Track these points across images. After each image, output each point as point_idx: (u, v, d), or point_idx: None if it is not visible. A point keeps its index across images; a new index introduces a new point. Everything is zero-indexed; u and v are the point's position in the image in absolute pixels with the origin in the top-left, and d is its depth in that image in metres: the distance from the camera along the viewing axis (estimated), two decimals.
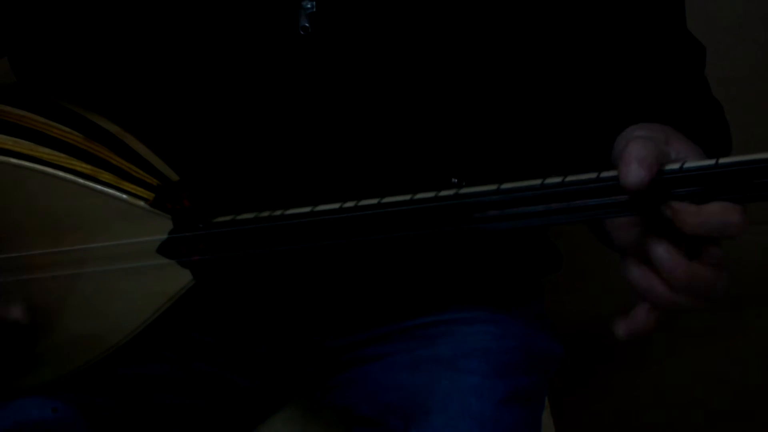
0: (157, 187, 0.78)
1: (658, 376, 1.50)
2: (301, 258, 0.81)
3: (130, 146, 0.80)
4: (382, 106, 0.80)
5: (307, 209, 0.73)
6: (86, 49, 0.81)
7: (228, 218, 0.76)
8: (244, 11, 0.78)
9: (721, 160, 0.61)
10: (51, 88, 0.84)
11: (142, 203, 0.77)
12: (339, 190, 0.76)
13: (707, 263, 0.62)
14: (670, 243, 0.63)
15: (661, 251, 0.63)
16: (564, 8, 0.80)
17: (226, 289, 0.85)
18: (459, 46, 0.79)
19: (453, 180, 0.82)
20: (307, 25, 0.77)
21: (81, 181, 0.77)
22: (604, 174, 0.65)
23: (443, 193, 0.70)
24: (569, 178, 0.66)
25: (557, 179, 0.66)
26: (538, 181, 0.67)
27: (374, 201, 0.71)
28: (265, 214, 0.75)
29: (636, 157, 0.62)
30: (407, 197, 0.70)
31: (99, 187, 0.77)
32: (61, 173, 0.77)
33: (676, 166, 0.63)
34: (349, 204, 0.72)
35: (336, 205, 0.72)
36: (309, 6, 0.77)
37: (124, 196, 0.77)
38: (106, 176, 0.77)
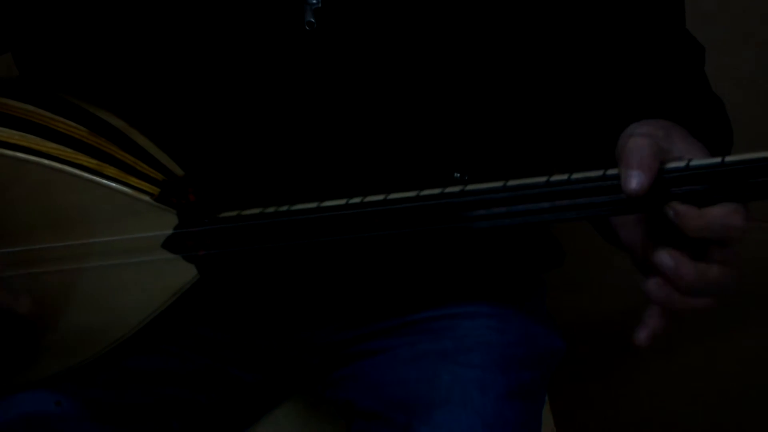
0: (163, 182, 0.78)
1: (658, 373, 1.50)
2: (305, 253, 0.81)
3: (136, 141, 0.80)
4: (386, 101, 0.80)
5: (313, 205, 0.73)
6: (92, 44, 0.81)
7: (233, 213, 0.76)
8: (249, 6, 0.78)
9: (728, 158, 0.62)
10: (56, 83, 0.84)
11: (147, 198, 0.77)
12: (344, 185, 0.76)
13: (714, 262, 0.63)
14: (675, 250, 0.63)
15: (667, 260, 0.63)
16: (566, 6, 0.81)
17: (231, 283, 0.85)
18: (463, 42, 0.80)
19: (456, 175, 0.82)
20: (312, 20, 0.77)
21: (86, 175, 0.77)
22: (610, 171, 0.65)
23: (449, 189, 0.70)
24: (575, 176, 0.66)
25: (563, 176, 0.67)
26: (543, 179, 0.67)
27: (380, 197, 0.71)
28: (271, 209, 0.75)
29: (636, 161, 0.63)
30: (413, 194, 0.71)
31: (104, 181, 0.77)
32: (67, 168, 0.77)
33: (682, 164, 0.63)
34: (355, 200, 0.72)
35: (342, 201, 0.73)
36: (314, 1, 0.77)
37: (129, 190, 0.77)
38: (111, 171, 0.78)
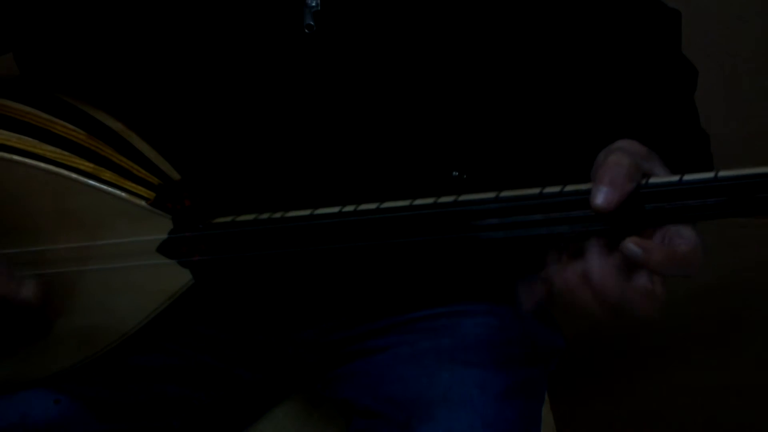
0: (159, 187, 0.78)
1: (658, 371, 1.50)
2: (301, 255, 0.81)
3: (133, 144, 0.80)
4: (385, 104, 0.80)
5: (307, 212, 0.73)
6: (91, 45, 0.81)
7: (228, 219, 0.76)
8: (248, 9, 0.78)
9: (720, 173, 0.62)
10: (55, 84, 0.84)
11: (142, 202, 0.77)
12: (342, 188, 0.76)
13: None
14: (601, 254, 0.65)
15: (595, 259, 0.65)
16: (562, 18, 0.80)
17: (227, 285, 0.86)
18: (461, 44, 0.80)
19: (454, 173, 0.82)
20: (312, 23, 0.77)
21: (83, 179, 0.77)
22: None
23: (442, 199, 0.70)
24: (568, 188, 0.66)
25: (556, 188, 0.67)
26: (536, 190, 0.67)
27: (373, 206, 0.71)
28: (265, 216, 0.75)
29: (608, 178, 0.63)
30: (406, 203, 0.71)
31: (100, 185, 0.77)
32: (63, 171, 0.77)
33: (675, 178, 0.63)
34: (349, 208, 0.72)
35: (335, 209, 0.73)
36: (314, 4, 0.77)
37: (125, 194, 0.77)
38: (107, 174, 0.78)
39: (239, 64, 0.79)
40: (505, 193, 0.68)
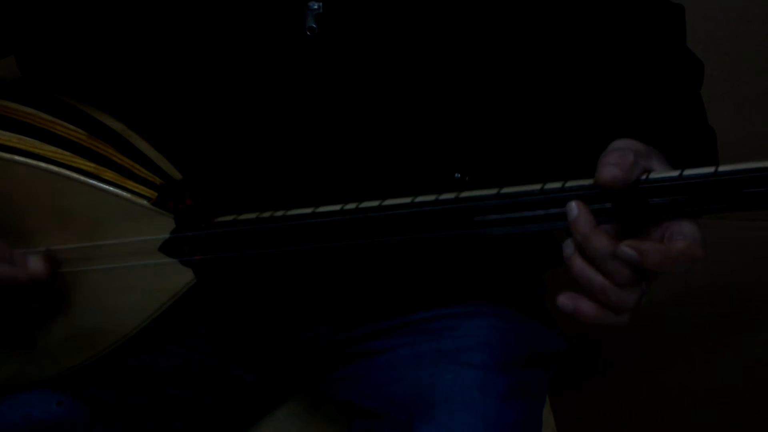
0: (160, 186, 0.78)
1: (659, 372, 1.50)
2: (303, 255, 0.81)
3: (134, 144, 0.80)
4: (387, 105, 0.80)
5: (309, 210, 0.73)
6: (93, 46, 0.82)
7: (230, 218, 0.76)
8: (250, 11, 0.78)
9: (721, 168, 0.62)
10: (56, 85, 0.84)
11: (144, 202, 0.77)
12: (344, 187, 0.76)
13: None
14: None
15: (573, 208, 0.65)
16: (565, 16, 0.81)
17: (229, 285, 0.86)
18: (462, 46, 0.80)
19: (456, 175, 0.82)
20: (314, 25, 0.77)
21: (84, 179, 0.77)
22: None
23: (444, 196, 0.70)
24: (569, 184, 0.66)
25: (557, 184, 0.67)
26: (537, 186, 0.67)
27: (375, 203, 0.71)
28: (267, 214, 0.75)
29: (613, 160, 0.64)
30: (408, 200, 0.71)
31: (102, 185, 0.77)
32: (65, 171, 0.78)
33: (675, 173, 0.63)
34: (351, 206, 0.72)
35: (337, 207, 0.73)
36: (316, 7, 0.77)
37: (127, 194, 0.77)
38: (109, 174, 0.78)
39: (241, 65, 0.79)
40: (506, 189, 0.68)
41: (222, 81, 0.80)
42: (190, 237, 0.77)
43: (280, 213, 0.75)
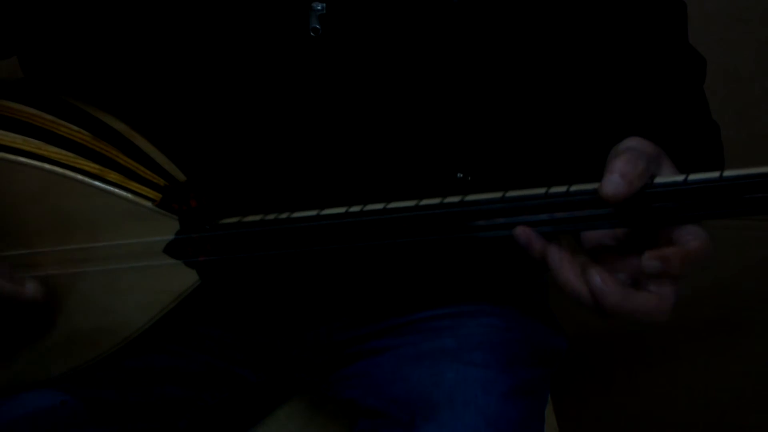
0: (164, 188, 0.78)
1: (660, 371, 1.50)
2: (308, 256, 0.81)
3: (138, 146, 0.80)
4: (390, 106, 0.80)
5: (313, 213, 0.73)
6: (96, 47, 0.81)
7: (234, 220, 0.76)
8: (254, 12, 0.78)
9: (726, 173, 0.62)
10: (59, 85, 0.84)
11: (148, 203, 0.77)
12: (348, 188, 0.76)
13: (646, 288, 0.64)
14: (606, 272, 0.64)
15: (597, 280, 0.63)
16: (568, 14, 0.81)
17: (233, 286, 0.86)
18: (466, 46, 0.80)
19: (458, 175, 0.83)
20: (317, 26, 0.77)
21: (88, 180, 0.77)
22: None
23: (448, 199, 0.70)
24: (574, 188, 0.66)
25: (562, 188, 0.67)
26: (542, 190, 0.67)
27: (380, 206, 0.71)
28: (272, 216, 0.75)
29: (620, 169, 0.63)
30: (412, 203, 0.71)
31: (106, 186, 0.77)
32: (69, 172, 0.77)
33: (680, 178, 0.63)
34: (355, 208, 0.72)
35: (342, 209, 0.73)
36: (320, 8, 0.77)
37: (131, 196, 0.77)
38: (113, 176, 0.78)
39: (245, 66, 0.79)
40: (510, 193, 0.68)
41: (225, 82, 0.80)
42: (194, 238, 0.77)
43: (284, 215, 0.74)
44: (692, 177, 0.63)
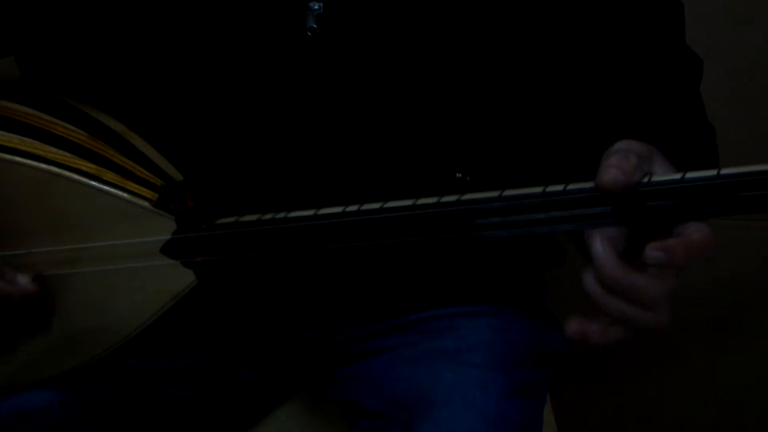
0: (161, 188, 0.78)
1: (659, 372, 1.50)
2: (304, 256, 0.81)
3: (135, 145, 0.80)
4: (388, 106, 0.80)
5: (311, 212, 0.73)
6: (93, 46, 0.82)
7: (231, 220, 0.76)
8: (251, 12, 0.78)
9: (723, 171, 0.62)
10: (56, 85, 0.84)
11: (145, 203, 0.77)
12: (345, 188, 0.76)
13: (644, 269, 0.63)
14: (606, 239, 0.64)
15: (597, 245, 0.64)
16: (565, 16, 0.81)
17: (230, 286, 0.86)
18: (463, 46, 0.80)
19: (457, 175, 0.82)
20: (314, 26, 0.77)
21: (85, 180, 0.77)
22: None
23: (445, 199, 0.70)
24: (570, 187, 0.66)
25: (559, 187, 0.67)
26: (539, 189, 0.67)
27: (377, 206, 0.71)
28: (268, 216, 0.75)
29: (614, 163, 0.63)
30: (410, 202, 0.71)
31: (103, 186, 0.77)
32: (65, 172, 0.78)
33: (677, 176, 0.63)
34: (352, 208, 0.72)
35: (339, 209, 0.73)
36: (316, 7, 0.77)
37: (128, 196, 0.77)
38: (110, 176, 0.78)
39: (242, 66, 0.79)
40: (508, 192, 0.68)
41: (222, 81, 0.80)
42: (191, 238, 0.77)
43: (281, 215, 0.74)
44: (689, 175, 0.63)
